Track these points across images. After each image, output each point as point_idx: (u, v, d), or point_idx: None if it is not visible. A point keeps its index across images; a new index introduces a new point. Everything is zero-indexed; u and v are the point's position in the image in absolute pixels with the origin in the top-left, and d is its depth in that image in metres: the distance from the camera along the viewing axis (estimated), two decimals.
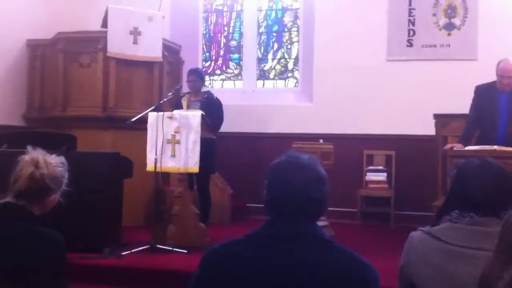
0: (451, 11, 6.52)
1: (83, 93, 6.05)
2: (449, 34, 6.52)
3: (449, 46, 6.52)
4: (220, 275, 1.55)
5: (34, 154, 2.13)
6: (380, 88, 6.67)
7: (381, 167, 6.49)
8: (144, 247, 4.53)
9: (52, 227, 2.15)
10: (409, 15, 6.62)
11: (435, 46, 6.55)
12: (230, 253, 1.58)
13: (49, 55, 6.43)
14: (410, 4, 6.62)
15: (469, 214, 1.77)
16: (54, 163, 2.16)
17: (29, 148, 2.16)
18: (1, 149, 4.85)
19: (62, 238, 2.07)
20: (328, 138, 6.00)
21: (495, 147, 4.22)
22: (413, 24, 6.60)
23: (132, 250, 4.46)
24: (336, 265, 1.51)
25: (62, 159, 2.20)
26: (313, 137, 6.12)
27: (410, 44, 6.63)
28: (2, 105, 6.22)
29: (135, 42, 5.97)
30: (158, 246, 4.55)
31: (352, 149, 6.64)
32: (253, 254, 1.53)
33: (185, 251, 4.48)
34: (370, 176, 6.45)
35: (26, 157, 2.12)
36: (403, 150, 6.54)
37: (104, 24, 5.89)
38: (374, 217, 6.46)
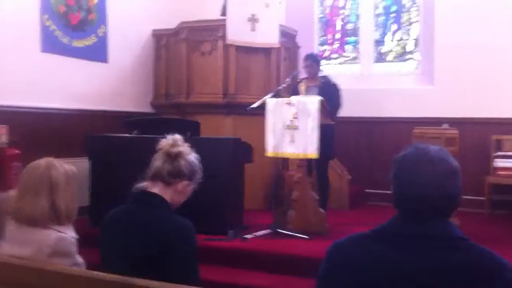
0: None
1: (205, 81, 6.26)
2: None
3: None
4: (349, 269, 1.51)
5: (174, 136, 2.25)
6: (508, 69, 6.22)
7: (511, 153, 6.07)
8: (266, 231, 4.62)
9: (178, 210, 2.24)
10: None
11: None
12: (359, 249, 1.52)
13: (172, 44, 6.71)
14: None
15: None
16: (190, 151, 2.26)
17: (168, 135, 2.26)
18: (132, 135, 5.16)
19: (192, 226, 2.09)
20: (452, 122, 5.70)
21: None
22: None
23: (255, 234, 4.57)
24: (475, 265, 1.41)
25: (198, 156, 2.28)
26: (435, 122, 5.87)
27: None
28: (131, 93, 6.60)
29: (253, 29, 6.05)
30: (279, 230, 4.63)
31: (479, 134, 6.29)
32: (386, 253, 1.47)
33: (307, 237, 4.52)
34: (499, 163, 6.05)
35: (167, 137, 2.24)
36: None
37: (223, 12, 6.01)
38: (504, 206, 6.08)
